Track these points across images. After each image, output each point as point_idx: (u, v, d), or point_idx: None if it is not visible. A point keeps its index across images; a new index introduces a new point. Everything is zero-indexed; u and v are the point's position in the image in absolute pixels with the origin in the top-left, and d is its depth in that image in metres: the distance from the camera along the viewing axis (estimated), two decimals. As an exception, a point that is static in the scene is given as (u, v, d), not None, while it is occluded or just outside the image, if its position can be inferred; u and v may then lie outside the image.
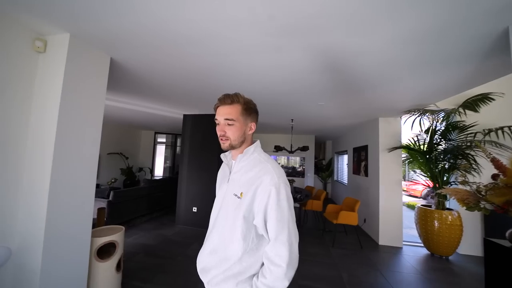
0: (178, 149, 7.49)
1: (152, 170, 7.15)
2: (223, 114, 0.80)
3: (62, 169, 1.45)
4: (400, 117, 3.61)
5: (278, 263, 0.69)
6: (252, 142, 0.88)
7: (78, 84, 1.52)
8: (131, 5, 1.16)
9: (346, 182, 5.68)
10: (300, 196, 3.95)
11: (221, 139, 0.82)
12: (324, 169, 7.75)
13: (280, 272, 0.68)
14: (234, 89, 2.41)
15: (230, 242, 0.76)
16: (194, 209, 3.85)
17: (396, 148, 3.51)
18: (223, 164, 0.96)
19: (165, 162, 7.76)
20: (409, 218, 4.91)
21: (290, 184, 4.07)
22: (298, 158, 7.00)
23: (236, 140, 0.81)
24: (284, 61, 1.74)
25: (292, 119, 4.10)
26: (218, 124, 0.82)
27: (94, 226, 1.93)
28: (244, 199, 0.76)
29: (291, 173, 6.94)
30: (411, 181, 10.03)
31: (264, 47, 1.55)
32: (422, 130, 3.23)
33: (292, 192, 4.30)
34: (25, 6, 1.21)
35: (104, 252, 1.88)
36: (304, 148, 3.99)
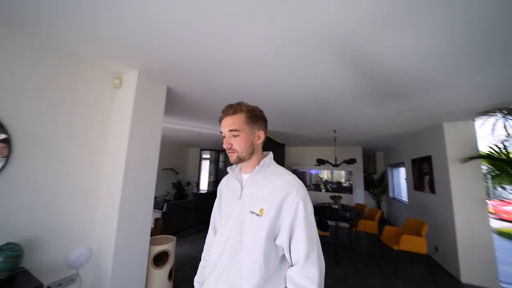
0: (220, 164, 7.93)
1: (198, 184, 7.72)
2: (227, 126, 0.76)
3: (129, 184, 1.71)
4: (473, 120, 2.96)
5: (308, 287, 0.62)
6: (263, 154, 0.83)
7: (143, 110, 1.82)
8: (185, 41, 1.36)
9: (406, 200, 4.85)
10: (349, 215, 3.55)
11: (228, 152, 0.77)
12: (376, 184, 6.86)
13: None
14: (271, 102, 2.48)
15: (248, 269, 0.66)
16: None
17: (472, 158, 2.84)
18: (228, 179, 0.89)
19: (209, 177, 8.29)
20: (507, 251, 3.76)
21: (337, 201, 3.70)
22: (343, 172, 6.43)
23: (243, 151, 0.76)
24: (322, 68, 1.70)
25: (334, 130, 3.87)
26: (224, 137, 0.78)
27: (151, 235, 2.15)
28: (266, 216, 0.68)
29: (336, 188, 6.39)
30: (501, 200, 7.80)
31: (301, 61, 1.55)
32: (510, 134, 2.55)
33: (339, 209, 3.93)
34: (111, 56, 1.57)
35: (158, 260, 2.05)
36: (351, 161, 3.65)
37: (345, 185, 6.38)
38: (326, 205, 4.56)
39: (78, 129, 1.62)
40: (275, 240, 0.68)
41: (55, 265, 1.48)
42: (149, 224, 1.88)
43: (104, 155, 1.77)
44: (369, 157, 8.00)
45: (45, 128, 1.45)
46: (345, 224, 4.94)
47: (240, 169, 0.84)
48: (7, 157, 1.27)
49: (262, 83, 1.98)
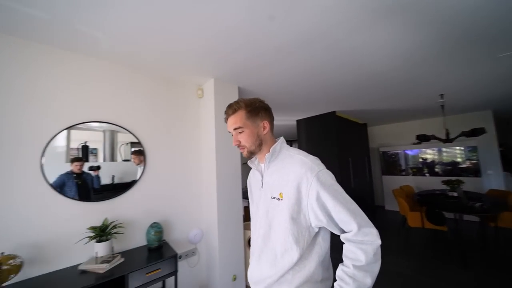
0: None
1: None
2: (231, 125, 0.82)
3: (221, 176, 1.99)
4: None
5: (370, 241, 0.64)
6: (274, 141, 0.84)
7: (222, 112, 2.05)
8: (251, 43, 1.40)
9: None
10: (481, 205, 2.61)
11: (239, 149, 0.83)
12: (525, 161, 4.64)
13: (375, 248, 0.63)
14: (348, 79, 2.15)
15: (282, 248, 0.72)
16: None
17: None
18: (252, 170, 0.93)
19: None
20: None
21: (456, 188, 2.79)
22: (460, 149, 4.75)
23: (252, 145, 0.80)
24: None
25: (441, 95, 2.91)
26: (232, 135, 0.84)
27: (243, 220, 2.44)
28: (286, 199, 0.72)
29: (450, 171, 4.82)
30: None
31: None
32: None
33: (461, 198, 2.95)
34: (194, 72, 1.86)
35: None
36: (475, 133, 2.62)
37: (464, 165, 4.70)
38: (438, 192, 3.57)
39: (180, 136, 2.05)
40: (301, 222, 0.71)
41: (181, 240, 1.95)
42: (241, 210, 2.13)
43: (200, 154, 2.16)
44: (508, 123, 5.52)
45: (161, 139, 1.92)
46: (472, 217, 3.71)
47: (258, 161, 0.89)
48: (144, 163, 1.79)
49: (333, 60, 1.76)
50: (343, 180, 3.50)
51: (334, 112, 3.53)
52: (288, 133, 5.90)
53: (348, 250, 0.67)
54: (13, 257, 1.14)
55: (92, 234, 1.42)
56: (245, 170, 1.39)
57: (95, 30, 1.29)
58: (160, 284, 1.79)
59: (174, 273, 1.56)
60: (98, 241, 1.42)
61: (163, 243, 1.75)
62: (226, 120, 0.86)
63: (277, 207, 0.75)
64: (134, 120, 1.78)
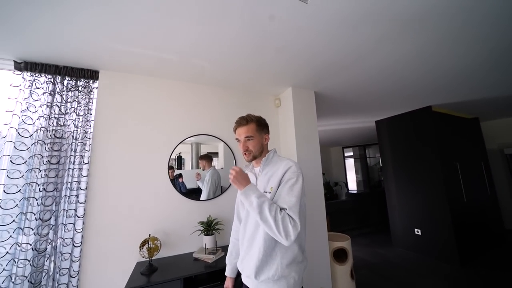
0: (368, 160, 6.97)
1: (346, 184, 7.31)
2: (243, 133, 1.01)
3: (304, 184, 1.97)
4: None
5: (289, 222, 0.81)
6: (268, 150, 1.07)
7: (301, 118, 2.09)
8: (332, 47, 1.39)
9: None
10: None
11: (245, 154, 1.01)
12: None
13: (288, 226, 0.81)
14: (443, 65, 1.70)
15: (268, 237, 0.89)
16: (417, 232, 3.08)
17: None
18: (247, 174, 1.04)
19: (356, 175, 7.57)
20: None
21: None
22: None
23: (257, 151, 1.01)
24: None
25: None
26: (239, 141, 1.02)
27: (325, 230, 2.31)
28: (273, 190, 0.92)
29: None
30: None
31: None
32: None
33: None
34: (274, 83, 2.00)
35: (337, 256, 2.12)
36: None
37: None
38: None
39: (262, 144, 2.21)
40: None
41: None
42: (324, 220, 2.03)
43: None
44: None
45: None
46: None
47: (253, 165, 1.09)
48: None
49: (429, 45, 1.48)
50: (450, 193, 2.77)
51: (429, 108, 2.92)
52: (361, 136, 5.30)
53: (276, 207, 0.84)
54: (156, 238, 1.51)
55: (201, 228, 1.70)
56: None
57: (203, 60, 1.62)
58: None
59: (267, 273, 1.63)
60: (206, 234, 1.68)
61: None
62: (236, 129, 1.04)
63: (270, 197, 0.91)
64: (225, 131, 2.05)
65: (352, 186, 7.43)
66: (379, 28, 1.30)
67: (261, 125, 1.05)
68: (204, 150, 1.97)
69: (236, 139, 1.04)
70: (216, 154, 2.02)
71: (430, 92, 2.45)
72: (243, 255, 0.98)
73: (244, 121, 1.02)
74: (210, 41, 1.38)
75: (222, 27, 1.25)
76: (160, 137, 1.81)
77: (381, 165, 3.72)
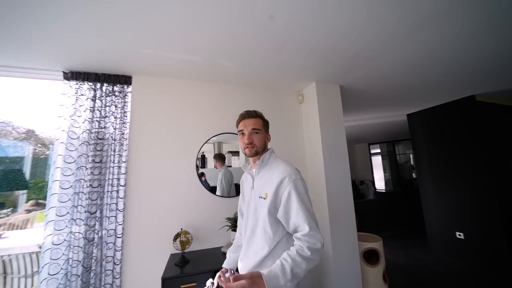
0: (398, 157, 6.50)
1: (373, 183, 6.91)
2: (250, 125, 0.97)
3: (331, 181, 1.92)
4: None
5: (313, 242, 0.78)
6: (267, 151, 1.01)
7: (326, 113, 2.02)
8: (359, 36, 1.31)
9: None
10: None
11: (247, 147, 0.95)
12: None
13: (318, 249, 0.77)
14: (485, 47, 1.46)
15: (262, 238, 0.88)
16: (459, 235, 2.79)
17: None
18: (245, 174, 1.10)
19: (384, 174, 7.10)
20: None
21: None
22: None
23: (260, 147, 0.97)
24: None
25: None
26: (243, 134, 0.97)
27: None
28: (269, 198, 0.88)
29: None
30: None
31: None
32: None
33: None
34: (296, 79, 1.97)
35: (368, 258, 2.02)
36: None
37: None
38: None
39: (285, 140, 2.19)
40: (275, 214, 0.87)
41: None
42: (353, 217, 1.95)
43: (304, 159, 2.20)
44: None
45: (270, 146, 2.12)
46: None
47: (250, 167, 1.04)
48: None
49: (474, 27, 1.32)
50: (501, 193, 2.45)
51: (472, 97, 2.61)
52: (390, 132, 4.96)
53: (297, 244, 0.80)
54: (187, 232, 1.59)
55: (229, 224, 1.74)
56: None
57: (227, 60, 1.65)
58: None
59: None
60: (233, 230, 1.72)
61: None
62: (240, 121, 1.00)
63: (262, 205, 0.90)
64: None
65: (380, 184, 6.99)
66: (416, 10, 1.20)
67: (266, 123, 1.04)
68: (226, 149, 2.02)
69: (240, 131, 0.99)
70: (237, 153, 2.06)
71: (472, 79, 2.19)
72: (242, 255, 0.97)
73: (252, 113, 1.00)
74: (233, 41, 1.40)
75: (245, 27, 1.26)
76: (188, 136, 1.90)
77: (413, 162, 3.43)
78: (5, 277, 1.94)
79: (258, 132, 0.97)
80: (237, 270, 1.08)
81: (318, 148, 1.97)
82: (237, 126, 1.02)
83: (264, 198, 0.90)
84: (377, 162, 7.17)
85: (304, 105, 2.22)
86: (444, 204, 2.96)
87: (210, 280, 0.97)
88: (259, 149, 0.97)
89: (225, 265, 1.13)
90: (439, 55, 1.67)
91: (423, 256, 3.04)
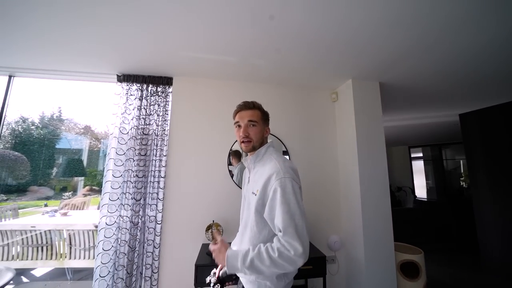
0: (445, 163, 5.76)
1: (413, 190, 6.24)
2: (246, 117, 0.91)
3: (366, 183, 1.81)
4: None
5: (291, 253, 0.69)
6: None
7: (363, 113, 1.90)
8: (407, 27, 1.20)
9: None
10: None
11: (244, 141, 0.90)
12: None
13: (290, 257, 0.69)
14: None
15: (248, 235, 0.86)
16: (525, 257, 2.36)
17: None
18: (245, 171, 1.06)
19: (426, 181, 6.35)
20: None
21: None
22: None
23: (257, 141, 0.91)
24: None
25: None
26: (239, 126, 0.92)
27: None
28: (258, 194, 0.83)
29: None
30: None
31: None
32: None
33: None
34: (330, 76, 1.90)
35: (405, 270, 1.85)
36: None
37: None
38: None
39: (316, 141, 2.12)
40: (262, 212, 0.82)
41: (318, 244, 1.96)
42: (390, 225, 1.80)
43: (336, 159, 2.12)
44: None
45: (300, 143, 2.09)
46: None
47: (250, 159, 0.97)
48: (289, 165, 2.02)
49: None
50: None
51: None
52: (436, 134, 4.42)
53: (273, 242, 0.74)
54: (218, 225, 1.68)
55: (257, 220, 1.78)
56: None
57: (260, 59, 1.67)
58: (302, 281, 1.89)
59: (323, 274, 1.58)
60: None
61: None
62: (237, 112, 0.95)
63: (253, 200, 0.85)
64: (279, 128, 2.07)
65: (421, 192, 6.29)
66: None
67: (265, 115, 0.97)
68: None
69: (236, 123, 0.93)
70: None
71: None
72: (235, 247, 0.96)
73: (250, 104, 0.93)
74: (266, 40, 1.41)
75: (277, 26, 1.26)
76: (222, 133, 1.98)
77: (463, 170, 2.99)
78: (70, 248, 2.32)
79: (255, 124, 0.90)
80: None
81: (353, 150, 1.86)
82: (233, 118, 0.96)
83: (255, 194, 0.84)
84: (418, 167, 6.46)
85: (338, 104, 2.12)
86: (508, 220, 2.52)
87: (214, 270, 0.99)
88: (255, 144, 0.90)
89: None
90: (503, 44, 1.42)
91: (473, 278, 2.66)
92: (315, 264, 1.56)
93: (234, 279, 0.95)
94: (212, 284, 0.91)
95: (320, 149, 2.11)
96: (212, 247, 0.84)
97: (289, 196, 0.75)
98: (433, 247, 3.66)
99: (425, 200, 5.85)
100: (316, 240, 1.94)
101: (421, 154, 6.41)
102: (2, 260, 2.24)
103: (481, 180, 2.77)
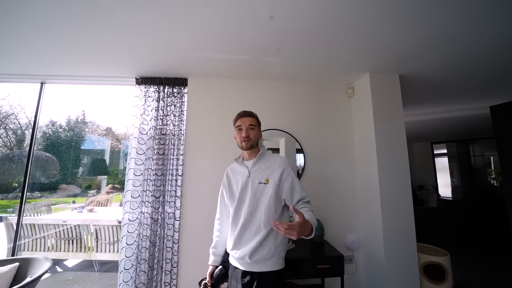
0: (473, 160, 5.36)
1: (436, 189, 5.89)
2: (247, 121, 1.14)
3: (386, 182, 1.73)
4: None
5: (312, 207, 1.04)
6: (260, 147, 1.18)
7: (381, 107, 1.82)
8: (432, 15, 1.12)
9: None
10: None
11: (245, 140, 1.11)
12: None
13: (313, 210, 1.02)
14: None
15: (265, 217, 1.02)
16: None
17: None
18: (233, 169, 1.23)
19: (451, 179, 5.95)
20: None
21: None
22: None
23: (255, 141, 1.14)
24: None
25: None
26: (241, 129, 1.14)
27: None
28: (271, 182, 1.06)
29: None
30: None
31: None
32: None
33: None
34: (346, 71, 1.84)
35: (429, 273, 1.75)
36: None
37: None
38: None
39: (332, 137, 2.08)
40: (279, 196, 1.06)
41: (335, 243, 1.91)
42: (412, 225, 1.71)
43: (353, 155, 2.06)
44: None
45: (315, 140, 2.05)
46: None
47: (243, 159, 1.19)
48: (305, 163, 1.99)
49: None
50: None
51: None
52: (463, 129, 4.12)
53: (305, 206, 1.03)
54: (234, 222, 1.70)
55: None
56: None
57: (273, 57, 1.66)
58: (319, 280, 1.86)
59: (341, 274, 1.54)
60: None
61: (324, 241, 1.81)
62: (238, 119, 1.17)
63: (264, 189, 1.05)
64: (292, 126, 2.05)
65: (445, 191, 5.91)
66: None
67: (259, 123, 1.20)
68: (266, 146, 2.04)
69: (238, 127, 1.15)
70: (277, 150, 2.05)
71: None
72: (236, 240, 1.05)
73: (250, 112, 1.18)
74: (279, 36, 1.39)
75: (291, 19, 1.24)
76: (234, 132, 2.00)
77: (494, 167, 2.76)
78: (97, 241, 2.48)
79: (254, 128, 1.14)
80: (224, 268, 1.18)
81: (371, 147, 1.79)
82: (234, 124, 1.19)
83: (265, 183, 1.06)
84: (442, 165, 6.07)
85: (355, 99, 2.05)
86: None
87: (203, 280, 1.18)
88: (253, 143, 1.12)
89: (211, 262, 1.22)
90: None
91: (505, 282, 2.45)
92: (332, 263, 1.53)
93: (225, 277, 1.15)
94: None
95: (336, 146, 2.06)
96: (291, 229, 0.81)
97: (297, 179, 1.10)
98: (457, 249, 3.43)
99: (450, 199, 5.49)
100: (332, 239, 1.90)
101: (445, 151, 6.01)
102: (40, 250, 2.47)
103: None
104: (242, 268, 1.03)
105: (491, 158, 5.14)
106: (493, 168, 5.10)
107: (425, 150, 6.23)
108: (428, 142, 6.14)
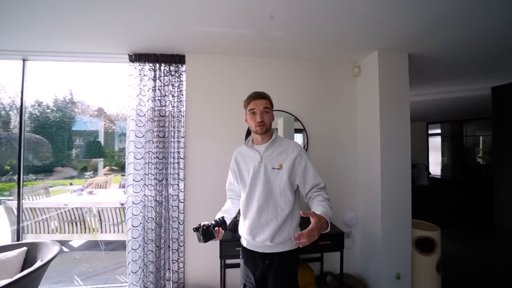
0: (465, 140, 5.52)
1: (427, 168, 6.12)
2: (261, 104, 1.06)
3: (386, 157, 1.76)
4: None
5: (328, 194, 1.04)
6: (271, 131, 1.12)
7: (388, 88, 1.78)
8: None
9: None
10: None
11: (259, 125, 1.05)
12: None
13: (328, 197, 1.02)
14: None
15: (282, 200, 1.04)
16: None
17: None
18: (242, 153, 1.17)
19: (442, 158, 6.18)
20: None
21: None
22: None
23: (269, 125, 1.09)
24: None
25: None
26: (254, 113, 1.06)
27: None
28: (285, 168, 1.05)
29: None
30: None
31: None
32: None
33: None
34: (351, 47, 1.74)
35: (421, 246, 1.88)
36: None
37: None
38: None
39: (335, 117, 2.05)
40: (293, 180, 1.07)
41: (336, 221, 2.00)
42: (408, 202, 1.80)
43: (355, 136, 2.06)
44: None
45: (319, 124, 2.03)
46: None
47: (253, 143, 1.14)
48: (307, 144, 1.99)
49: None
50: None
51: None
52: (460, 109, 4.16)
53: (321, 193, 1.03)
54: (238, 203, 1.73)
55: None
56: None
57: (278, 30, 1.54)
58: (318, 254, 1.98)
59: (340, 249, 1.64)
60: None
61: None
62: (250, 101, 1.07)
63: (278, 174, 1.05)
64: (294, 105, 2.00)
65: (435, 170, 6.17)
66: None
67: (272, 105, 1.12)
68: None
69: (251, 110, 1.07)
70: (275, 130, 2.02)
71: None
72: (253, 226, 1.05)
73: (263, 94, 1.09)
74: (287, 8, 1.27)
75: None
76: (238, 112, 1.92)
77: (482, 146, 2.85)
78: (101, 223, 2.52)
79: (268, 111, 1.07)
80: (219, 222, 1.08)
81: (375, 126, 1.78)
82: (246, 107, 1.11)
83: (279, 169, 1.04)
84: (435, 144, 6.24)
85: (361, 78, 1.99)
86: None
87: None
88: (268, 127, 1.08)
89: (216, 217, 1.14)
90: None
91: (484, 252, 2.70)
92: (333, 239, 1.62)
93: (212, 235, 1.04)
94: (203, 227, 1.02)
95: (338, 125, 2.05)
96: (312, 236, 0.79)
97: (311, 165, 1.08)
98: (446, 224, 3.69)
99: (439, 177, 5.75)
100: (333, 217, 1.98)
101: (439, 131, 6.14)
102: (44, 233, 2.50)
103: (509, 157, 2.65)
104: (261, 251, 1.06)
105: (480, 138, 5.30)
106: (481, 147, 5.29)
107: (419, 130, 6.33)
108: (424, 122, 6.22)
